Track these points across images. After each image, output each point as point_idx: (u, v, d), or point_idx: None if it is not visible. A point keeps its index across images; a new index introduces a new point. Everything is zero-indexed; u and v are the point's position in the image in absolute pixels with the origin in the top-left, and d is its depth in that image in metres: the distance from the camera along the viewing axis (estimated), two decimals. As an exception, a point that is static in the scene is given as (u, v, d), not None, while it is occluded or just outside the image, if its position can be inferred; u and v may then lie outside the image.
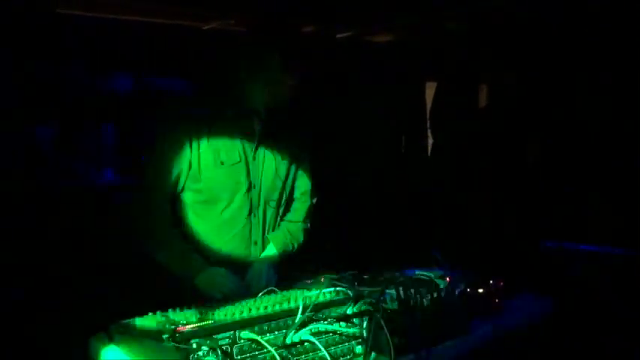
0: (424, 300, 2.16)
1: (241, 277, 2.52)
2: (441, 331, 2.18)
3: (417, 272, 2.38)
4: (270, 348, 1.75)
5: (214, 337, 1.69)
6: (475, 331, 2.33)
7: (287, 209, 2.75)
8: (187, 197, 2.55)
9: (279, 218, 2.70)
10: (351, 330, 1.96)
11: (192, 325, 1.70)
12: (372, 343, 1.93)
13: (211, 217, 2.55)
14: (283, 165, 2.66)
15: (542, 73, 4.43)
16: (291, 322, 1.84)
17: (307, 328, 1.85)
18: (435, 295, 2.21)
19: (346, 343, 1.96)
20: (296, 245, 2.72)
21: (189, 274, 2.45)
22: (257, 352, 1.75)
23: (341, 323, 1.96)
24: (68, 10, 3.41)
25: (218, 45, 3.76)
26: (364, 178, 4.64)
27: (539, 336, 2.62)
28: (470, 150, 4.60)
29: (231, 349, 1.71)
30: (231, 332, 1.73)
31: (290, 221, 2.73)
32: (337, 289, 2.04)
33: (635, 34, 3.90)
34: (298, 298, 1.93)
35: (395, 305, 2.08)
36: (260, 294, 2.10)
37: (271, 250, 2.64)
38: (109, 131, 4.46)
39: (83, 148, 4.33)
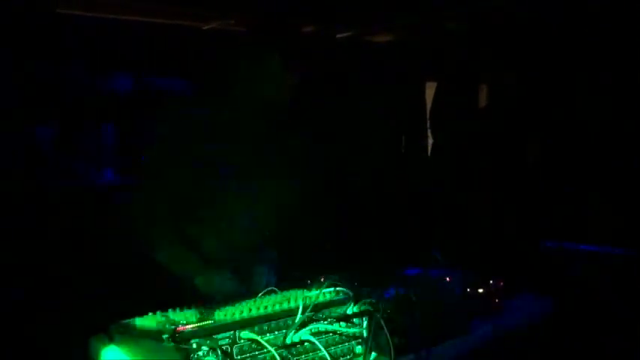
0: (424, 300, 2.16)
1: (241, 278, 2.52)
2: (441, 331, 2.18)
3: (416, 272, 2.38)
4: (270, 348, 1.75)
5: (214, 337, 1.68)
6: (475, 331, 2.33)
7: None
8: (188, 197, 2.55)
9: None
10: (351, 330, 1.96)
11: (192, 325, 1.70)
12: (372, 343, 1.93)
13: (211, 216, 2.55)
14: None
15: (542, 73, 4.43)
16: (291, 322, 1.84)
17: (307, 328, 1.85)
18: (435, 295, 2.21)
19: (346, 343, 1.96)
20: None
21: (189, 275, 2.45)
22: (257, 352, 1.75)
23: (341, 323, 1.96)
24: (68, 10, 3.41)
25: (218, 45, 3.76)
26: (364, 178, 4.64)
27: (539, 336, 2.62)
28: (470, 150, 4.59)
29: (231, 349, 1.71)
30: (231, 332, 1.73)
31: None
32: (337, 289, 2.04)
33: (635, 34, 3.90)
34: (298, 298, 1.93)
35: (395, 305, 2.08)
36: (260, 294, 2.10)
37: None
38: (109, 131, 4.45)
39: (83, 148, 4.33)
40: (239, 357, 1.72)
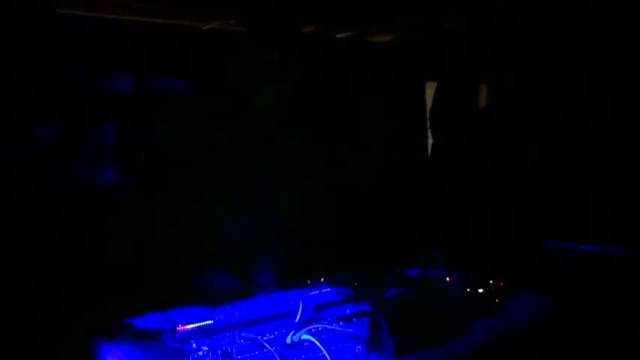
0: (424, 300, 2.16)
1: (241, 278, 2.52)
2: (441, 331, 2.18)
3: (416, 272, 2.38)
4: (270, 348, 1.75)
5: (214, 337, 1.69)
6: (475, 331, 2.33)
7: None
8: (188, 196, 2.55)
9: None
10: (351, 330, 1.96)
11: (192, 325, 1.70)
12: (372, 343, 1.93)
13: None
14: None
15: (542, 73, 4.43)
16: (291, 322, 1.84)
17: (307, 328, 1.85)
18: (435, 295, 2.21)
19: (346, 343, 1.96)
20: None
21: (190, 275, 2.45)
22: (257, 352, 1.75)
23: (341, 323, 1.96)
24: (68, 10, 3.41)
25: (218, 45, 3.75)
26: (364, 178, 4.64)
27: (539, 336, 2.62)
28: (470, 150, 4.59)
29: (231, 349, 1.71)
30: (231, 332, 1.73)
31: None
32: (337, 289, 2.04)
33: (635, 34, 3.90)
34: (298, 298, 1.93)
35: (395, 305, 2.08)
36: (260, 294, 2.10)
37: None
38: (109, 131, 4.45)
39: (83, 148, 4.32)
40: (239, 357, 1.72)
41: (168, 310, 1.84)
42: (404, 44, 4.64)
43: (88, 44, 3.59)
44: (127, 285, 3.27)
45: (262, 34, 2.54)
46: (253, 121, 2.58)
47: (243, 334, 1.74)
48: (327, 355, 1.85)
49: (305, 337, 1.83)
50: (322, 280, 2.18)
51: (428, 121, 4.96)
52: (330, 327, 1.92)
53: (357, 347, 1.97)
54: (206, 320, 1.76)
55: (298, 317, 1.84)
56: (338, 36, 4.36)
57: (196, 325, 1.71)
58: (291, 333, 1.82)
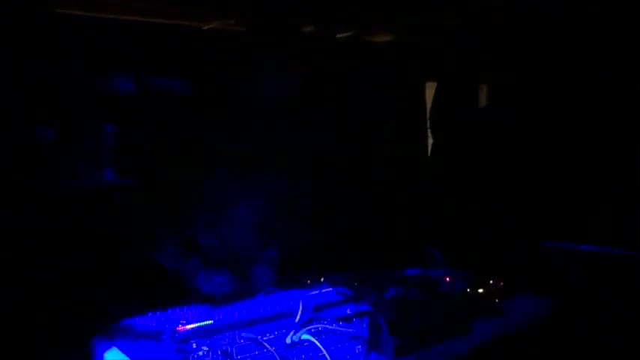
0: (424, 300, 2.16)
1: (241, 278, 2.52)
2: (441, 331, 2.18)
3: (416, 272, 2.38)
4: (270, 348, 1.75)
5: (214, 337, 1.69)
6: (475, 331, 2.33)
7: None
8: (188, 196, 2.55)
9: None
10: (351, 330, 1.96)
11: (192, 325, 1.70)
12: (372, 343, 1.93)
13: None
14: None
15: (542, 73, 4.43)
16: (291, 322, 1.84)
17: (307, 328, 1.85)
18: (435, 295, 2.21)
19: (346, 343, 1.96)
20: None
21: (189, 275, 2.45)
22: (257, 352, 1.75)
23: (341, 323, 1.96)
24: (68, 10, 3.41)
25: (218, 45, 3.75)
26: (364, 178, 4.64)
27: (539, 336, 2.62)
28: (470, 150, 4.60)
29: (232, 349, 1.71)
30: (231, 332, 1.73)
31: None
32: (337, 289, 2.04)
33: (635, 34, 3.90)
34: (298, 298, 1.93)
35: (395, 305, 2.08)
36: (260, 294, 2.10)
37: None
38: (108, 131, 4.45)
39: (83, 148, 4.32)
40: (239, 357, 1.72)
41: (168, 310, 1.84)
42: (404, 44, 4.64)
43: (88, 44, 3.59)
44: (127, 285, 3.27)
45: (262, 34, 2.54)
46: (253, 120, 2.58)
47: (243, 334, 1.74)
48: (327, 355, 1.85)
49: (305, 337, 1.83)
50: (322, 280, 2.18)
51: (428, 121, 4.97)
52: (330, 327, 1.92)
53: (357, 347, 1.97)
54: (206, 320, 1.76)
55: (298, 317, 1.84)
56: (338, 36, 4.35)
57: (196, 325, 1.71)
58: (291, 333, 1.82)
